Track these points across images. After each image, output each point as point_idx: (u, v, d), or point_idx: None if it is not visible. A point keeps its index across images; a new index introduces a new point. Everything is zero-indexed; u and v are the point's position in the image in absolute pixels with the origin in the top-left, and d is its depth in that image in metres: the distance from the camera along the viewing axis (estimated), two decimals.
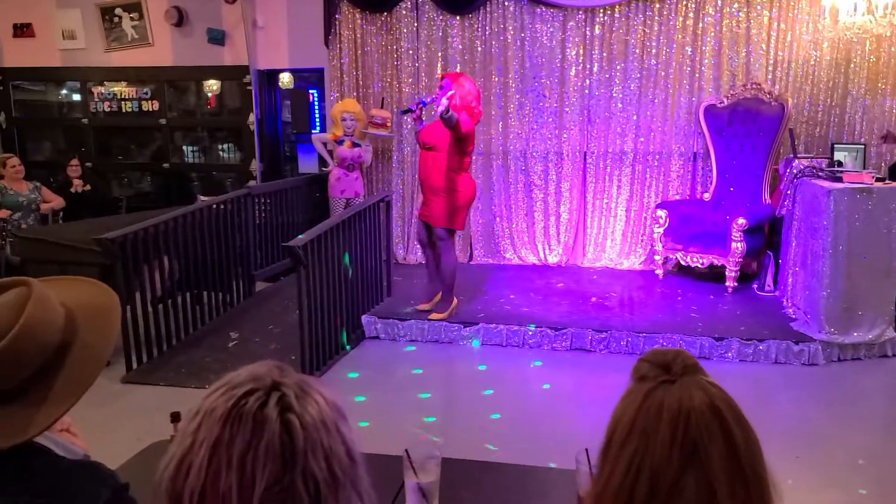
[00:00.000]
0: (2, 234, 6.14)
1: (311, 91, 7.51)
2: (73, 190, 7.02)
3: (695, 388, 0.98)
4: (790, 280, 5.50)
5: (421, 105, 5.07)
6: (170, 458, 0.81)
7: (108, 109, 8.03)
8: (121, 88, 7.98)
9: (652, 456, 0.93)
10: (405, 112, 5.28)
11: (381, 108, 6.95)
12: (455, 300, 5.49)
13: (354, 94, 7.13)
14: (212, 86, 7.89)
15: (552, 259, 7.00)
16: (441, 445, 2.45)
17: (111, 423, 3.95)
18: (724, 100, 6.34)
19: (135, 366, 4.79)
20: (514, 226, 7.06)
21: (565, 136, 6.83)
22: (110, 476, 1.22)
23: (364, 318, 5.41)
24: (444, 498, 1.59)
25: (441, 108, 4.66)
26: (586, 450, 1.60)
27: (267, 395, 0.82)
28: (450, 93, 4.79)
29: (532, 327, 5.20)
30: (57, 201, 6.68)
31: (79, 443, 1.41)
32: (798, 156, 5.78)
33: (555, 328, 5.17)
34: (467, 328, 5.29)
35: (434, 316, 5.37)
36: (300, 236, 4.59)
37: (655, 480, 0.92)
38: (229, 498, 0.76)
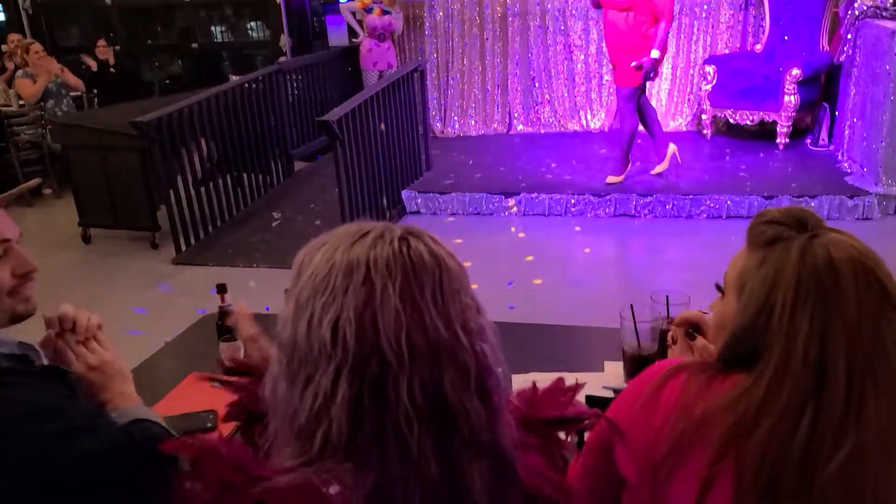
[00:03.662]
0: (41, 123, 6.18)
1: None
2: (105, 62, 6.98)
3: (847, 237, 0.90)
4: (847, 132, 5.23)
5: None
6: (329, 320, 0.75)
7: None
8: None
9: (842, 314, 0.84)
10: None
11: None
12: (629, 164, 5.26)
13: None
14: None
15: (594, 125, 6.79)
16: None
17: (165, 301, 4.09)
18: None
19: (183, 248, 4.90)
20: (554, 91, 6.81)
21: None
22: None
23: (404, 193, 5.39)
24: None
25: None
26: (631, 306, 1.58)
27: (403, 234, 0.79)
28: None
29: (574, 195, 5.11)
30: (77, 83, 6.66)
31: (105, 354, 1.37)
32: None
33: (598, 195, 5.08)
34: (508, 198, 5.22)
35: (611, 179, 5.16)
36: (334, 111, 4.50)
37: (853, 339, 0.83)
38: (435, 330, 0.74)
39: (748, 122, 5.86)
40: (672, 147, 5.15)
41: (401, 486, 0.74)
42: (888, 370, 0.84)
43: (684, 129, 6.52)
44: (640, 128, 5.11)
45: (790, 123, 5.59)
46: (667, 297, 1.60)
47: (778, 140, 5.66)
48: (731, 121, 5.97)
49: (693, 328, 1.34)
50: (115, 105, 6.05)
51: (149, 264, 4.82)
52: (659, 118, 5.30)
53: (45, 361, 1.28)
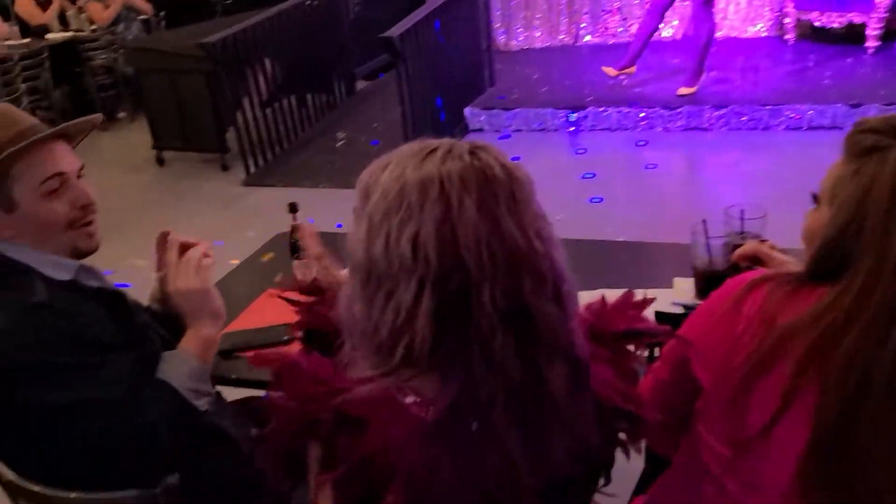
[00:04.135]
0: (113, 48, 6.30)
1: None
2: None
3: None
4: None
5: None
6: (408, 236, 0.76)
7: None
8: None
9: None
10: None
11: None
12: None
13: None
14: None
15: (666, 33, 6.45)
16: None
17: (238, 221, 4.21)
18: None
19: (252, 169, 5.00)
20: None
21: None
22: (17, 306, 1.19)
23: (467, 111, 5.31)
24: None
25: None
26: (703, 220, 1.54)
27: (471, 148, 0.80)
28: None
29: (644, 108, 4.93)
30: (144, 6, 6.72)
31: (192, 282, 1.42)
32: None
33: (668, 107, 4.89)
34: (575, 113, 5.09)
35: (683, 91, 4.97)
36: (395, 27, 4.42)
37: None
38: (512, 238, 0.76)
39: (835, 25, 5.47)
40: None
41: (485, 391, 0.76)
42: None
43: (764, 34, 6.14)
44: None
45: (882, 25, 5.20)
46: (741, 210, 1.55)
47: (867, 44, 5.28)
48: (817, 24, 5.58)
49: (754, 262, 1.33)
50: (181, 27, 6.09)
51: (219, 185, 4.95)
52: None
53: (97, 284, 1.33)
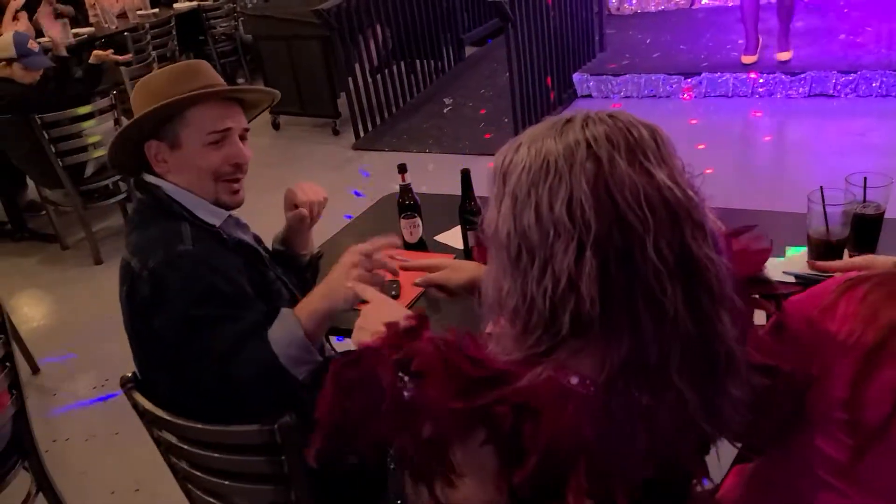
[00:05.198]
0: (234, 15, 6.58)
1: None
2: None
3: None
4: None
5: None
6: (561, 200, 0.75)
7: None
8: None
9: None
10: None
11: None
12: None
13: None
14: None
15: None
16: None
17: (349, 182, 4.36)
18: None
19: (362, 134, 5.13)
20: None
21: None
22: (166, 248, 1.29)
23: (575, 77, 5.22)
24: None
25: None
26: (821, 188, 1.48)
27: (608, 113, 0.80)
28: None
29: (763, 74, 4.69)
30: None
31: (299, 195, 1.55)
32: None
33: (790, 73, 4.63)
34: (689, 79, 4.91)
35: (783, 56, 4.79)
36: None
37: None
38: (669, 189, 0.75)
39: None
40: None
41: (656, 347, 0.75)
42: None
43: None
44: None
45: None
46: (864, 178, 1.49)
47: None
48: None
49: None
50: None
51: (331, 149, 5.13)
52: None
53: (240, 236, 1.44)
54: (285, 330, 1.27)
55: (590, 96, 5.22)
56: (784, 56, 4.75)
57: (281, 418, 1.23)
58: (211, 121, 1.36)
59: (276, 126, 5.62)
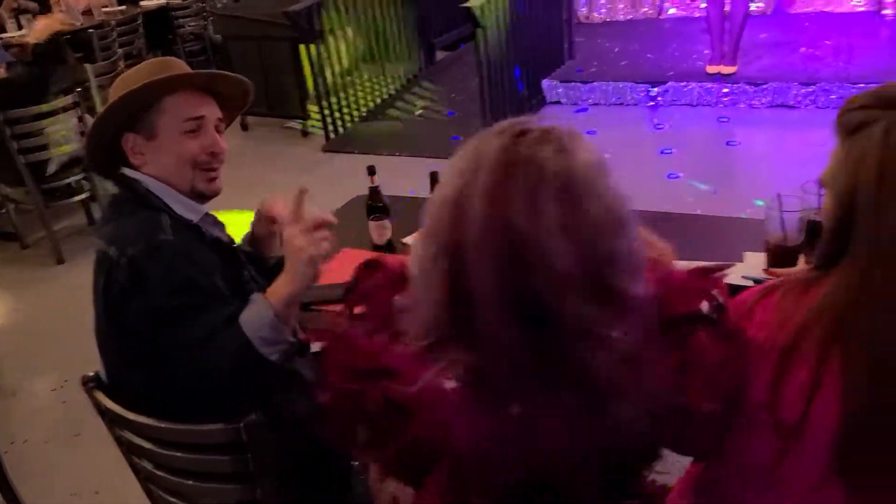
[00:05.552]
0: (203, 14, 6.52)
1: None
2: None
3: None
4: None
5: None
6: (440, 201, 0.80)
7: None
8: None
9: None
10: None
11: None
12: None
13: None
14: None
15: (755, 7, 6.21)
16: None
17: (318, 184, 4.32)
18: None
19: (332, 136, 5.12)
20: None
21: None
22: (146, 237, 1.29)
23: (545, 83, 5.28)
24: None
25: None
26: (778, 195, 1.53)
27: (542, 135, 0.80)
28: None
29: (728, 84, 4.79)
30: None
31: (276, 209, 1.54)
32: None
33: (753, 83, 4.74)
34: (655, 87, 4.99)
35: (727, 69, 4.90)
36: None
37: None
38: (517, 224, 0.75)
39: None
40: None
41: (505, 363, 0.79)
42: None
43: (861, 8, 5.85)
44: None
45: None
46: (819, 185, 1.53)
47: None
48: None
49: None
50: None
51: (301, 151, 5.11)
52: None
53: (216, 234, 1.45)
54: (256, 313, 1.28)
55: (559, 102, 5.28)
56: (728, 70, 4.86)
57: (247, 417, 1.23)
58: (186, 108, 1.38)
59: (244, 127, 5.58)
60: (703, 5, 5.02)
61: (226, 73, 1.48)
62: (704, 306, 0.89)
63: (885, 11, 5.53)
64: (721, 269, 0.95)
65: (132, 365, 1.35)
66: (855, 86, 4.44)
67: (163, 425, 1.28)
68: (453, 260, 0.77)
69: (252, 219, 1.62)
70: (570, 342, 0.78)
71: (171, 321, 1.25)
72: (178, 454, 1.31)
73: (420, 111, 5.42)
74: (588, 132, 4.74)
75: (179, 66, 1.43)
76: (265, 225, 1.57)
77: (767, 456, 0.93)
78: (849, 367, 0.83)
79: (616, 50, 5.76)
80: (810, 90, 4.59)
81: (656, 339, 0.84)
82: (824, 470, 0.87)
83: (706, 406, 0.85)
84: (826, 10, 5.99)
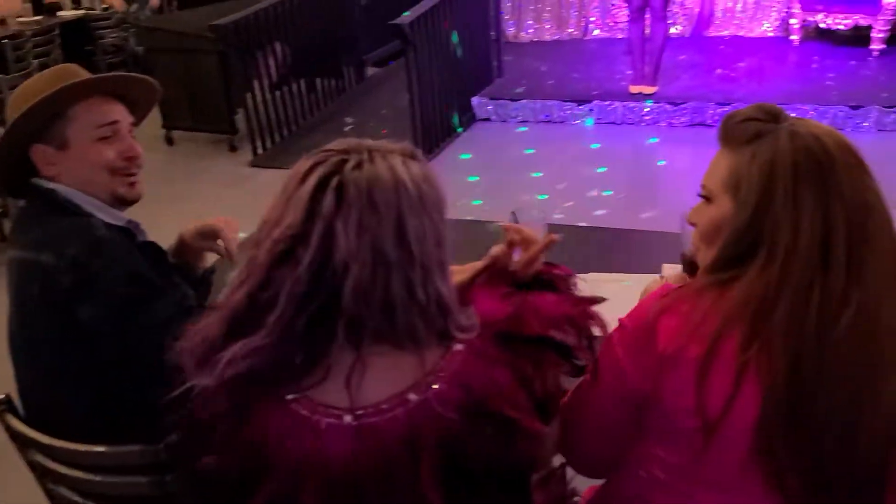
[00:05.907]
0: (125, 27, 6.36)
1: None
2: None
3: (812, 122, 0.95)
4: None
5: None
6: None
7: None
8: None
9: (838, 187, 0.89)
10: None
11: None
12: None
13: None
14: None
15: (674, 30, 6.49)
16: (548, 211, 2.55)
17: (245, 199, 4.27)
18: None
19: (260, 151, 5.06)
20: None
21: None
22: (83, 236, 1.27)
23: (475, 100, 5.36)
24: (548, 256, 1.66)
25: None
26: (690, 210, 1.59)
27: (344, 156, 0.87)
28: None
29: (649, 103, 4.98)
30: None
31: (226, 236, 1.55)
32: None
33: (673, 103, 4.94)
34: (581, 106, 5.14)
35: (648, 90, 5.08)
36: (406, 14, 4.47)
37: (849, 209, 0.89)
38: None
39: (841, 27, 5.51)
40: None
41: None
42: (879, 233, 0.90)
43: (770, 34, 6.18)
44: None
45: (888, 28, 5.24)
46: None
47: (872, 46, 5.32)
48: (823, 25, 5.62)
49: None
50: (194, 8, 6.14)
51: (228, 166, 5.02)
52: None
53: (143, 238, 1.42)
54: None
55: (489, 120, 5.36)
56: (650, 90, 5.07)
57: (167, 436, 1.20)
58: (96, 115, 1.35)
59: (169, 141, 5.44)
60: (626, 27, 5.23)
61: (132, 75, 1.45)
62: (559, 335, 0.93)
63: (792, 37, 5.85)
64: (595, 301, 1.00)
65: (77, 377, 1.29)
66: None
67: (82, 448, 1.23)
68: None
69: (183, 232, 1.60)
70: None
71: (133, 309, 1.23)
72: (97, 478, 1.26)
73: (349, 127, 5.41)
74: (525, 150, 4.85)
75: (81, 72, 1.39)
76: (206, 241, 1.56)
77: (679, 459, 0.96)
78: (769, 361, 0.88)
79: (543, 69, 5.90)
80: (725, 110, 4.77)
81: (478, 351, 0.87)
82: (744, 464, 0.91)
83: (534, 426, 0.87)
84: (739, 34, 6.31)
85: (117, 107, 1.39)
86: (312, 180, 0.84)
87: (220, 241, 1.56)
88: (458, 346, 0.87)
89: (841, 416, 0.88)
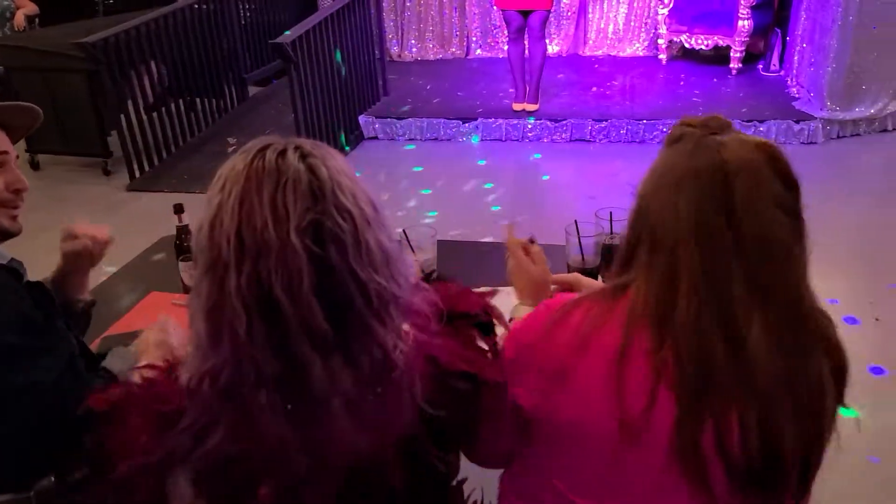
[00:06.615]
0: None
1: None
2: None
3: (751, 139, 0.93)
4: (796, 58, 5.33)
5: None
6: (200, 223, 0.84)
7: None
8: None
9: (730, 198, 0.88)
10: None
11: None
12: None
13: None
14: None
15: (552, 49, 6.74)
16: (439, 228, 2.57)
17: (122, 226, 4.05)
18: None
19: (137, 174, 4.83)
20: None
21: None
22: None
23: (361, 119, 5.35)
24: (441, 270, 1.67)
25: None
26: (575, 221, 1.66)
27: (284, 147, 0.84)
28: None
29: (531, 120, 5.14)
30: (30, 7, 6.35)
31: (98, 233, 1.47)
32: None
33: (554, 120, 5.12)
34: (466, 124, 5.23)
35: (531, 107, 5.20)
36: (287, 32, 4.41)
37: (745, 219, 0.88)
38: (266, 231, 0.79)
39: (703, 47, 5.91)
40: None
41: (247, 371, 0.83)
42: (768, 245, 0.91)
43: (641, 53, 6.54)
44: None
45: (743, 48, 5.66)
46: (610, 213, 1.68)
47: (731, 65, 5.73)
48: (687, 45, 6.01)
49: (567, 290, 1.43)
50: (58, 25, 5.80)
51: (102, 191, 4.75)
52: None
53: (26, 278, 1.32)
54: (121, 360, 1.27)
55: (376, 138, 5.36)
56: (532, 107, 5.24)
57: (38, 483, 1.12)
58: None
59: (34, 166, 5.09)
60: (506, 48, 5.39)
61: (22, 104, 1.36)
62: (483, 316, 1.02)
63: (660, 56, 6.20)
64: (492, 293, 1.06)
65: None
66: (639, 122, 4.95)
67: None
68: (215, 275, 0.81)
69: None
70: (298, 340, 0.82)
71: (15, 361, 1.13)
72: None
73: (233, 147, 5.26)
74: (414, 167, 4.88)
75: None
76: (68, 242, 1.50)
77: (603, 463, 0.94)
78: (678, 356, 0.88)
79: (428, 87, 5.97)
80: (603, 126, 5.04)
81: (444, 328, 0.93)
82: (665, 464, 0.89)
83: (493, 375, 0.95)
84: (612, 53, 6.63)
85: (2, 137, 1.30)
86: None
87: (79, 238, 1.50)
88: (406, 326, 0.91)
89: (759, 408, 0.87)
